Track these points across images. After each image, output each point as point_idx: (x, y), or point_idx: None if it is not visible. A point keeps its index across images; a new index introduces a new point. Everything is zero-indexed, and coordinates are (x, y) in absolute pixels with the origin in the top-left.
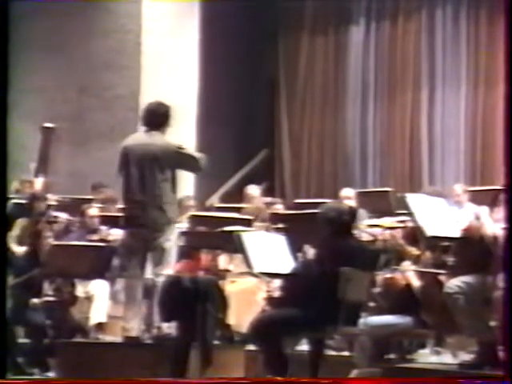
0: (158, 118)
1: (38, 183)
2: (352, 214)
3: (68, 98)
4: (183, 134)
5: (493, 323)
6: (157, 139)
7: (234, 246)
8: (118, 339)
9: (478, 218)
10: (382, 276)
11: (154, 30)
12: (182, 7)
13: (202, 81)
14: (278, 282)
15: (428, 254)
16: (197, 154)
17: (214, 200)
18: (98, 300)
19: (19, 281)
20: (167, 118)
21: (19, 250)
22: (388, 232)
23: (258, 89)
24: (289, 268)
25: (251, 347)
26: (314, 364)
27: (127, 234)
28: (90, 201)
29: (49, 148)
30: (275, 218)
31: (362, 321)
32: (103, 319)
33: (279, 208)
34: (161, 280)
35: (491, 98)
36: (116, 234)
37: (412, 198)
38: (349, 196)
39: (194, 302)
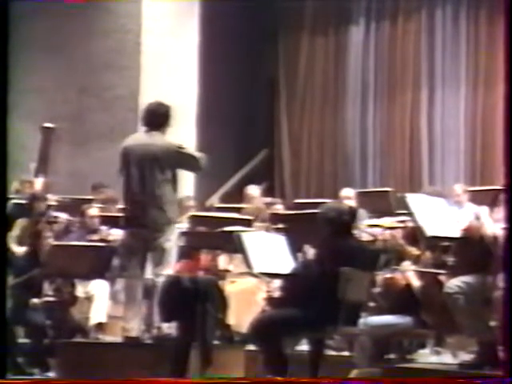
0: (158, 118)
1: (38, 183)
2: (352, 214)
3: (68, 98)
4: (183, 134)
5: (493, 323)
6: (157, 139)
7: (234, 246)
8: (118, 339)
9: (477, 218)
10: (382, 276)
11: (154, 29)
12: (181, 7)
13: (201, 81)
14: (277, 282)
15: (428, 254)
16: (197, 154)
17: (214, 200)
18: (98, 300)
19: (19, 281)
20: (167, 118)
21: (19, 250)
22: (388, 232)
23: (257, 89)
24: (289, 268)
25: (251, 347)
26: (314, 364)
27: (127, 234)
28: (90, 201)
29: (49, 148)
30: (275, 218)
31: (362, 321)
32: (103, 319)
33: (279, 208)
34: (161, 280)
35: (491, 98)
36: (116, 234)
37: (412, 198)
38: (349, 196)
39: (194, 302)
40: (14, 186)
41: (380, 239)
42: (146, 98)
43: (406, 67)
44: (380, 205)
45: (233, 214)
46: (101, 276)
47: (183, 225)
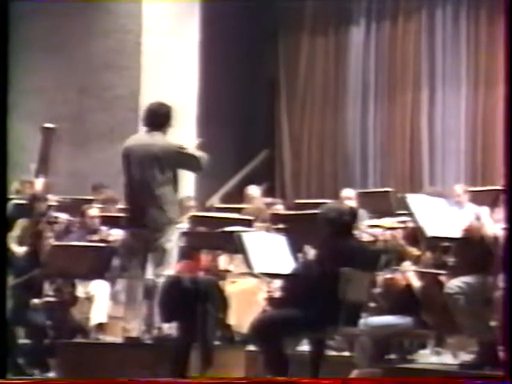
0: (159, 118)
1: (39, 184)
2: (352, 214)
3: (68, 98)
4: (183, 134)
5: (493, 323)
6: (158, 139)
7: (235, 246)
8: (118, 340)
9: (478, 219)
10: (382, 276)
11: (154, 30)
12: (182, 7)
13: (202, 81)
14: (278, 283)
15: (428, 255)
16: (198, 154)
17: (215, 200)
18: (99, 300)
19: (20, 281)
20: (168, 119)
21: (20, 250)
22: (388, 232)
23: (257, 89)
24: (289, 268)
25: (252, 347)
26: (315, 364)
27: (128, 235)
28: (90, 201)
29: (49, 148)
30: (275, 218)
31: (362, 321)
32: (104, 320)
33: (279, 208)
34: (161, 280)
35: (491, 98)
36: (116, 235)
37: (412, 199)
38: (349, 196)
39: (195, 303)
40: (14, 186)
41: (380, 239)
42: (146, 98)
43: (407, 67)
44: (380, 205)
45: (233, 214)
46: (101, 276)
47: (184, 225)
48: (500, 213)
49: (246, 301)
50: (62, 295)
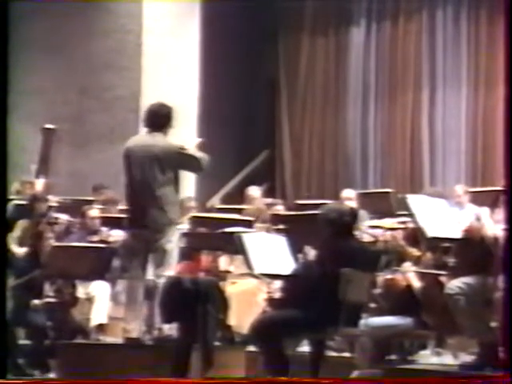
0: (160, 119)
1: (39, 184)
2: (353, 214)
3: (68, 99)
4: (183, 134)
5: (493, 324)
6: (158, 140)
7: (235, 247)
8: (118, 340)
9: (478, 219)
10: (382, 277)
11: (155, 30)
12: (182, 7)
13: (202, 81)
14: (278, 283)
15: (429, 255)
16: (198, 154)
17: (215, 201)
18: (99, 301)
19: (20, 282)
20: (169, 119)
21: (20, 251)
22: (389, 233)
23: (258, 89)
24: (289, 269)
25: (252, 348)
26: (315, 365)
27: (129, 235)
28: (90, 202)
29: (49, 149)
30: (276, 219)
31: (362, 322)
32: (104, 320)
33: (280, 209)
34: (162, 281)
35: (492, 98)
36: (116, 235)
37: (413, 199)
38: (350, 197)
39: (195, 304)
40: (14, 187)
41: (381, 240)
42: (146, 99)
43: (407, 68)
44: (381, 206)
45: (234, 214)
46: (101, 277)
47: (184, 226)
48: (500, 213)
49: (247, 301)
50: (62, 296)
